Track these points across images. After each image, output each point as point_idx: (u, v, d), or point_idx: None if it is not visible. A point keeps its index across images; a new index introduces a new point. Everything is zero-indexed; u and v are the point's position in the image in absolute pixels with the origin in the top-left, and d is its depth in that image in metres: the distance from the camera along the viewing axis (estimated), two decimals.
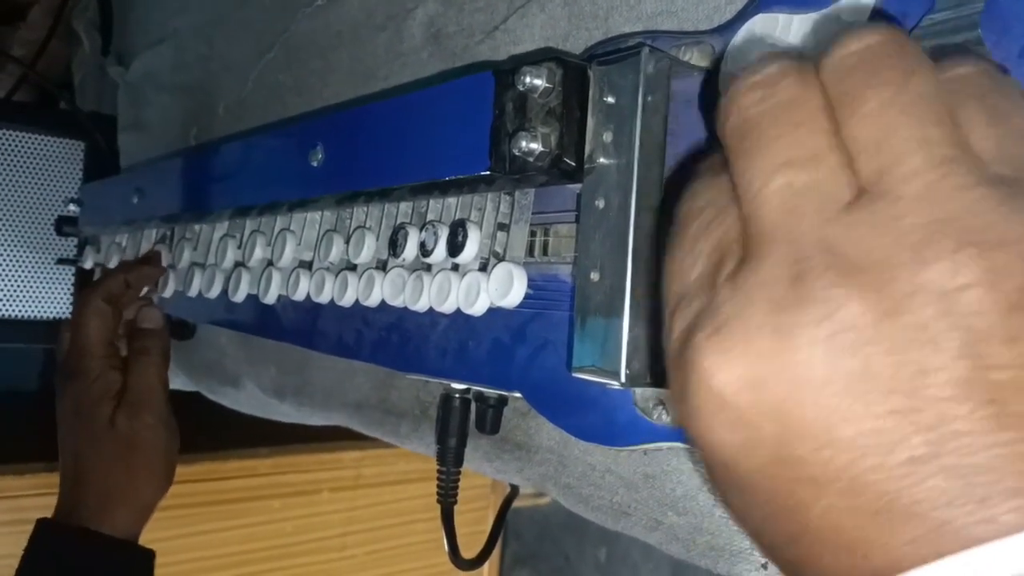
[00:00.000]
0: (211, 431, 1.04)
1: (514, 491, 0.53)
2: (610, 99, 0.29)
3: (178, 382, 0.79)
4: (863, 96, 0.18)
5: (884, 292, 0.16)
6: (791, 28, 0.27)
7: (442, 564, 1.32)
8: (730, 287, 0.18)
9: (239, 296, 0.51)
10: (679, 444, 0.31)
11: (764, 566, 0.30)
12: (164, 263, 0.62)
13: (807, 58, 0.19)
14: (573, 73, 0.30)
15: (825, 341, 0.17)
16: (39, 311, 0.85)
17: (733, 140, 0.19)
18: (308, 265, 0.47)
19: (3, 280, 0.83)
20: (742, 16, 0.29)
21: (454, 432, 0.41)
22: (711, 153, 0.22)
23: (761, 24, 0.28)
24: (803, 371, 0.17)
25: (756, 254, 0.18)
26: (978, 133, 0.18)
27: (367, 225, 0.43)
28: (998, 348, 0.16)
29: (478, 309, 0.35)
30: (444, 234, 0.37)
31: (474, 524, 1.23)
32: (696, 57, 0.30)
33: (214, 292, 0.54)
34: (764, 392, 0.17)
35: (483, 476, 0.45)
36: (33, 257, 0.84)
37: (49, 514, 0.57)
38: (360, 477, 1.24)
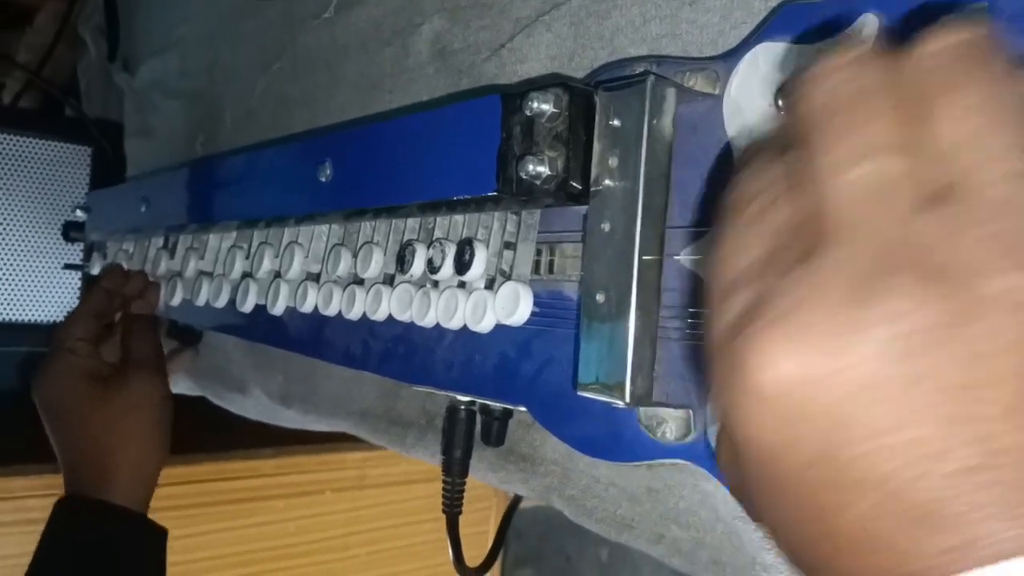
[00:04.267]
0: (215, 432, 1.04)
1: (517, 497, 0.54)
2: (616, 124, 0.30)
3: (184, 387, 0.80)
4: (954, 94, 0.17)
5: (960, 297, 0.16)
6: (794, 57, 0.28)
7: (444, 564, 1.32)
8: (794, 276, 0.18)
9: (247, 307, 0.52)
10: (682, 460, 0.32)
11: None
12: (163, 268, 0.63)
13: (892, 47, 0.19)
14: (580, 99, 0.30)
15: (895, 342, 0.16)
16: (46, 315, 0.86)
17: (810, 123, 0.18)
18: (316, 278, 0.47)
19: (10, 285, 0.83)
20: (746, 44, 0.30)
21: (460, 443, 0.42)
22: (758, 139, 0.22)
23: (765, 53, 0.29)
24: (864, 371, 0.16)
25: (832, 242, 0.17)
26: None
27: (375, 240, 0.43)
28: None
29: (485, 327, 0.36)
30: (451, 252, 0.37)
31: (476, 525, 1.24)
32: (700, 83, 0.31)
33: (222, 302, 0.55)
34: (819, 390, 0.17)
35: None
36: (40, 262, 0.85)
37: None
38: (363, 478, 1.24)
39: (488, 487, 1.27)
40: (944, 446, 0.16)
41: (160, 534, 0.59)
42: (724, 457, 0.23)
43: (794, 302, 0.17)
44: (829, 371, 0.17)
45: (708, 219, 0.30)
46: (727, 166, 0.29)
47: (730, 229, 0.20)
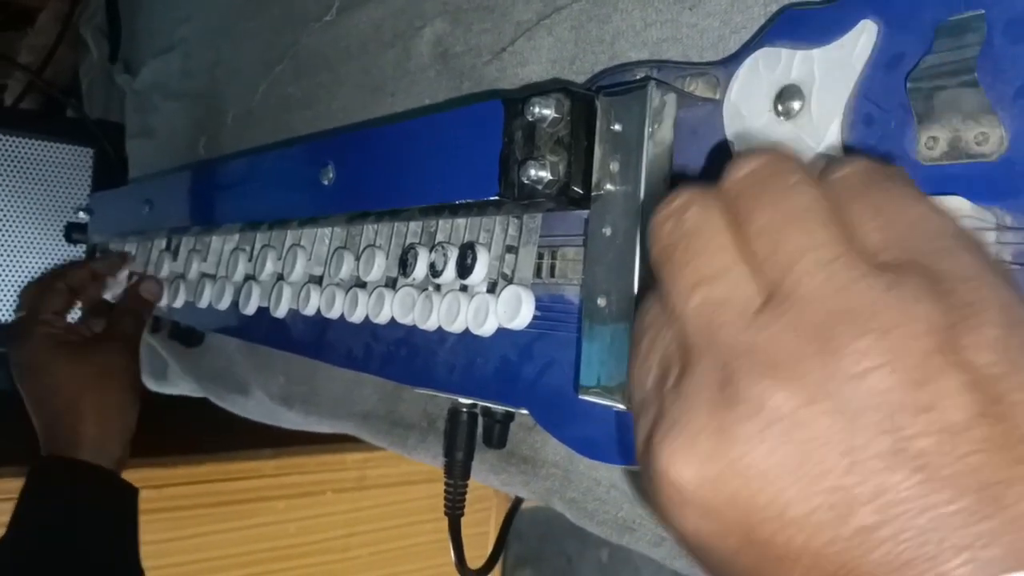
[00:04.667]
0: (216, 433, 1.04)
1: (519, 499, 0.54)
2: (617, 129, 0.30)
3: (186, 388, 0.80)
4: (752, 216, 0.20)
5: (802, 383, 0.18)
6: (793, 63, 0.28)
7: (444, 565, 1.33)
8: (673, 395, 0.20)
9: (250, 309, 0.52)
10: None
11: None
12: (169, 272, 0.64)
13: (713, 182, 0.22)
14: (581, 104, 0.31)
15: (760, 434, 0.18)
16: None
17: (656, 267, 0.22)
18: (318, 280, 0.48)
19: (13, 286, 0.84)
20: (747, 49, 0.30)
21: (461, 446, 0.42)
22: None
23: (765, 58, 0.29)
24: (747, 463, 0.18)
25: (688, 364, 0.20)
26: (864, 227, 0.19)
27: (377, 243, 0.43)
28: (913, 418, 0.17)
29: (487, 330, 0.36)
30: (454, 255, 0.37)
31: (477, 525, 1.24)
32: (701, 88, 0.31)
33: (224, 304, 0.55)
34: (719, 485, 0.19)
35: None
36: (42, 263, 0.85)
37: None
38: (363, 479, 1.25)
39: (489, 489, 1.27)
40: (840, 511, 0.17)
41: (130, 492, 0.62)
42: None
43: (677, 416, 0.20)
44: (718, 471, 0.19)
45: None
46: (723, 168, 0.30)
47: (632, 358, 0.23)
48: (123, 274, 0.70)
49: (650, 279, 0.24)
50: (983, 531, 0.16)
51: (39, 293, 0.68)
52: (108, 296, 0.73)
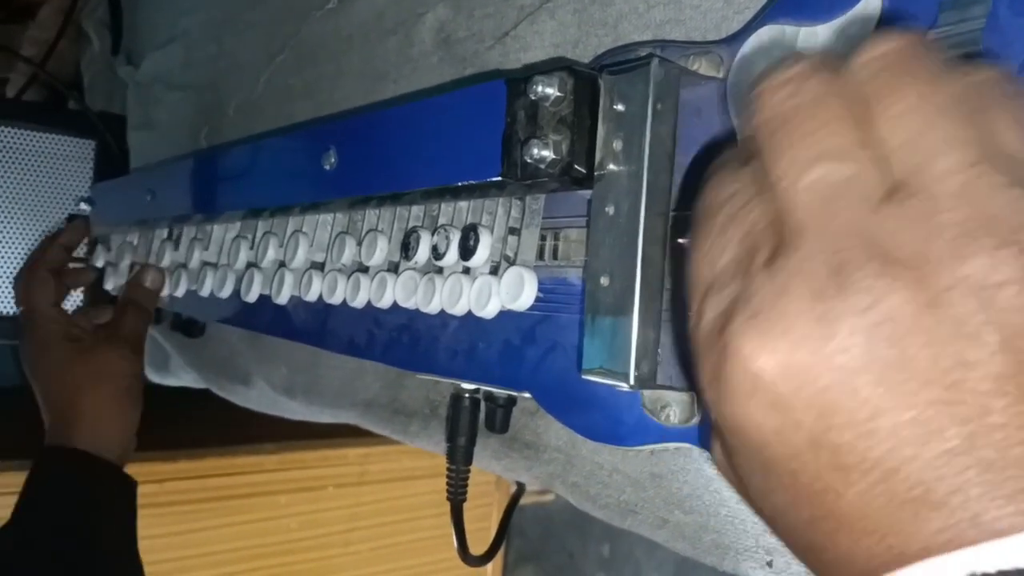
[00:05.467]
0: (218, 428, 1.04)
1: (520, 489, 0.54)
2: (620, 108, 0.30)
3: (188, 379, 0.80)
4: (894, 96, 0.18)
5: (925, 285, 0.17)
6: (797, 40, 0.28)
7: (446, 560, 1.33)
8: (767, 274, 0.19)
9: (251, 296, 0.52)
10: (686, 444, 0.32)
11: (769, 564, 0.31)
12: (170, 262, 0.64)
13: (834, 58, 0.20)
14: (584, 82, 0.31)
15: (866, 330, 0.17)
16: None
17: (765, 133, 0.20)
18: (320, 266, 0.48)
19: (13, 277, 0.84)
20: (750, 27, 0.30)
21: (464, 431, 0.42)
22: (730, 145, 0.23)
23: (768, 35, 0.29)
24: (843, 359, 0.17)
25: (793, 243, 0.18)
26: (1006, 135, 0.18)
27: (379, 228, 0.43)
28: None
29: (489, 312, 0.36)
30: (456, 238, 0.37)
31: (478, 521, 1.24)
32: (704, 67, 0.31)
33: (226, 292, 0.55)
34: (804, 378, 0.18)
35: (488, 473, 0.45)
36: None
37: None
38: (365, 473, 1.25)
39: (490, 484, 1.27)
40: (927, 429, 0.16)
41: (130, 484, 0.62)
42: (719, 456, 0.23)
43: (767, 299, 0.18)
44: (808, 362, 0.18)
45: None
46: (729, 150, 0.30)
47: (703, 234, 0.22)
48: (124, 264, 0.70)
49: (730, 155, 0.22)
50: None
51: (27, 285, 0.69)
52: (109, 287, 0.73)
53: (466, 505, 0.43)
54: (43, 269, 0.70)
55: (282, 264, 0.50)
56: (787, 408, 0.18)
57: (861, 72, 0.19)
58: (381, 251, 0.42)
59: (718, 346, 0.19)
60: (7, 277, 0.83)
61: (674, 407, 0.31)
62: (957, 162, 0.17)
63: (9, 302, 0.84)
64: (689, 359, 0.30)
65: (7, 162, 0.82)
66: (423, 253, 0.39)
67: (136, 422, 0.64)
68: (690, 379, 0.30)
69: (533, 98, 0.31)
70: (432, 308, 0.38)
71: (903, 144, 0.18)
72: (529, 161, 0.31)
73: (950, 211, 0.17)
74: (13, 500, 0.91)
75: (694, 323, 0.21)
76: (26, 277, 0.70)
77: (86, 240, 0.78)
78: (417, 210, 0.42)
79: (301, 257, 0.48)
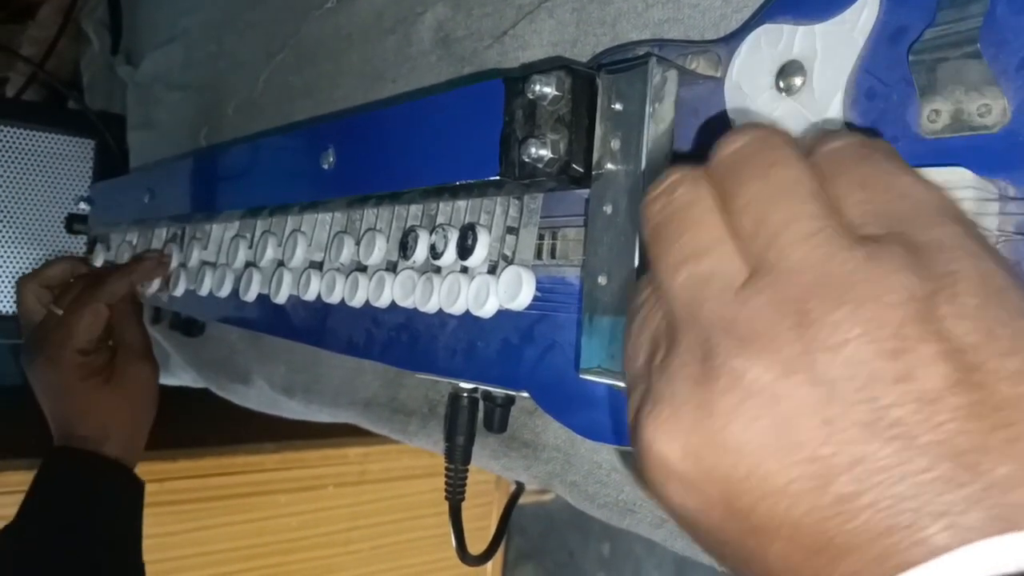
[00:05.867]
0: (218, 427, 1.04)
1: (519, 488, 0.54)
2: (618, 107, 0.30)
3: (187, 378, 0.80)
4: (738, 191, 0.20)
5: (779, 355, 0.18)
6: (795, 39, 0.28)
7: (446, 559, 1.33)
8: (659, 371, 0.21)
9: (250, 295, 0.52)
10: None
11: None
12: (174, 263, 0.63)
13: (705, 160, 0.22)
14: (582, 81, 0.31)
15: (738, 407, 0.18)
16: None
17: (650, 243, 0.22)
18: (319, 266, 0.48)
19: (14, 277, 0.84)
20: (748, 26, 0.30)
21: (462, 430, 0.42)
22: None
23: (767, 35, 0.29)
24: (727, 436, 0.19)
25: (674, 340, 0.21)
26: (849, 200, 0.20)
27: (377, 227, 0.43)
28: (889, 388, 0.17)
29: (487, 311, 0.36)
30: (454, 237, 0.37)
31: (478, 520, 1.24)
32: (702, 66, 0.31)
33: (225, 291, 0.55)
34: (701, 459, 0.19)
35: (487, 472, 0.45)
36: (43, 254, 0.85)
37: None
38: (365, 473, 1.25)
39: (489, 483, 1.27)
40: (819, 481, 0.18)
41: (137, 485, 0.62)
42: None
43: (662, 391, 0.20)
44: (700, 443, 0.19)
45: None
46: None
47: (626, 338, 0.24)
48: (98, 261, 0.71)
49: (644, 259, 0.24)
50: (961, 497, 0.16)
51: (82, 315, 0.62)
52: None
53: (465, 504, 0.43)
54: (102, 302, 0.63)
55: (281, 263, 0.50)
56: (697, 487, 0.20)
57: (718, 170, 0.21)
58: (379, 250, 0.42)
59: (635, 437, 0.21)
60: (6, 276, 0.83)
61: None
62: (795, 236, 0.19)
63: (9, 302, 0.84)
64: None
65: (7, 162, 0.82)
66: (421, 252, 0.39)
67: (149, 423, 0.64)
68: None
69: (531, 97, 0.31)
70: (430, 307, 0.38)
71: (754, 229, 0.20)
72: (527, 160, 0.31)
73: (791, 283, 0.18)
74: (15, 500, 0.91)
75: (627, 418, 0.23)
76: (79, 304, 0.63)
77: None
78: (415, 209, 0.42)
79: (299, 256, 0.48)
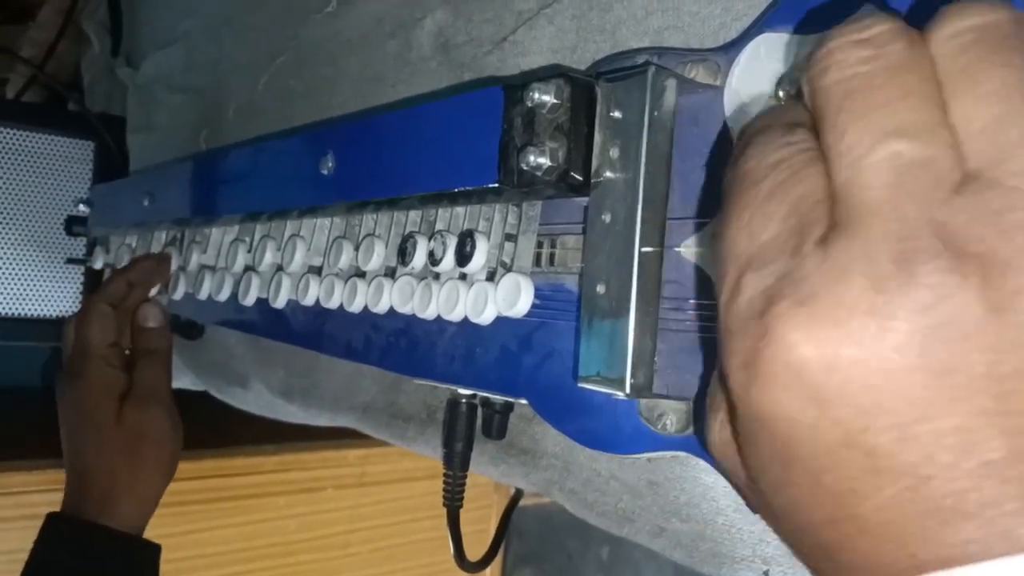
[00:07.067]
0: (217, 428, 1.04)
1: (518, 493, 0.54)
2: (617, 115, 0.30)
3: (186, 381, 0.80)
4: (983, 75, 0.17)
5: (994, 286, 0.16)
6: (795, 48, 0.28)
7: (445, 562, 1.32)
8: (822, 254, 0.17)
9: (249, 300, 0.52)
10: (682, 453, 0.32)
11: (765, 573, 0.31)
12: (174, 266, 0.63)
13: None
14: (581, 90, 0.30)
15: (926, 330, 0.16)
16: (48, 310, 0.86)
17: (832, 97, 0.18)
18: (318, 271, 0.47)
19: (13, 279, 0.84)
20: (748, 35, 0.30)
21: (461, 436, 0.42)
22: (763, 114, 0.21)
23: (766, 43, 0.29)
24: (896, 358, 0.16)
25: (855, 224, 0.17)
26: None
27: (376, 233, 0.43)
28: None
29: (486, 318, 0.36)
30: (453, 244, 0.37)
31: (477, 523, 1.24)
32: (702, 74, 0.31)
33: (224, 295, 0.55)
34: (851, 374, 0.17)
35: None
36: (43, 256, 0.85)
37: (57, 509, 0.58)
38: (364, 475, 1.25)
39: (488, 486, 1.27)
40: (971, 439, 0.16)
41: (153, 551, 0.59)
42: (721, 438, 0.22)
43: (821, 283, 0.17)
44: (858, 357, 0.16)
45: (709, 211, 0.30)
46: (728, 157, 0.29)
47: (743, 203, 0.19)
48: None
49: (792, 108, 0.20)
50: None
51: (89, 321, 0.61)
52: None
53: (464, 507, 0.43)
54: (104, 303, 0.62)
55: (279, 268, 0.50)
56: (827, 403, 0.17)
57: (945, 45, 0.17)
58: (378, 256, 0.42)
59: (757, 329, 0.18)
60: (5, 278, 0.83)
61: (670, 416, 0.30)
62: None
63: (9, 304, 0.84)
64: (694, 361, 0.30)
65: (6, 163, 0.82)
66: (420, 259, 0.39)
67: (163, 490, 0.60)
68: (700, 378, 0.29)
69: (530, 105, 0.31)
70: (429, 314, 0.38)
71: (982, 132, 0.17)
72: (526, 168, 0.31)
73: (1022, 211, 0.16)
74: (15, 500, 0.91)
75: (727, 299, 0.19)
76: (87, 312, 0.62)
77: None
78: (414, 215, 0.42)
79: (298, 261, 0.48)
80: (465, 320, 0.37)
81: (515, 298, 0.35)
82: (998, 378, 0.16)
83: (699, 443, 0.30)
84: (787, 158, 0.19)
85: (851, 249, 0.17)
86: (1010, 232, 0.16)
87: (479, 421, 0.42)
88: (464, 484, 0.43)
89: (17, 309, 0.84)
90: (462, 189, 0.34)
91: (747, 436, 0.20)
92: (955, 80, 0.17)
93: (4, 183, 0.82)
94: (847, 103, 0.18)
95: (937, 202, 0.16)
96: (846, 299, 0.17)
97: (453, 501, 0.43)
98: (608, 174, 0.30)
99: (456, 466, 0.42)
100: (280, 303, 0.49)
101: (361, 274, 0.44)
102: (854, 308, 0.16)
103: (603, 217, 0.30)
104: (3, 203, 0.82)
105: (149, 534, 0.60)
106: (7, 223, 0.83)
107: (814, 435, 0.17)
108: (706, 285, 0.30)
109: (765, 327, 0.18)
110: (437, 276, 0.39)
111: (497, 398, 0.40)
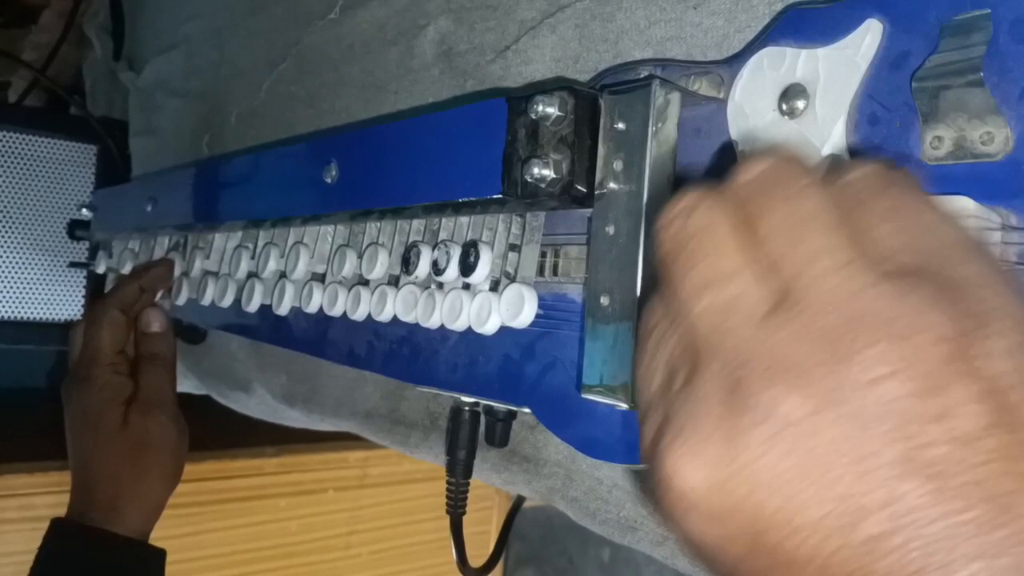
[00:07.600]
0: (218, 430, 1.04)
1: (520, 499, 0.54)
2: (621, 127, 0.30)
3: (188, 385, 0.80)
4: (762, 218, 0.20)
5: (812, 389, 0.18)
6: (798, 62, 0.28)
7: (446, 564, 1.33)
8: (680, 398, 0.20)
9: (252, 307, 0.52)
10: None
11: None
12: (177, 271, 0.63)
13: (719, 183, 0.22)
14: (585, 102, 0.31)
15: (769, 440, 0.18)
16: (51, 313, 0.86)
17: (665, 266, 0.22)
18: (321, 278, 0.48)
19: (16, 283, 0.84)
20: (751, 48, 0.30)
21: (463, 444, 0.42)
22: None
23: (769, 57, 0.29)
24: (756, 469, 0.18)
25: (696, 367, 0.20)
26: (875, 232, 0.19)
27: (380, 241, 0.43)
28: (925, 427, 0.17)
29: (489, 329, 0.36)
30: (456, 253, 0.37)
31: (478, 525, 1.24)
32: (705, 87, 0.31)
33: (227, 302, 0.55)
34: (727, 491, 0.19)
35: None
36: (45, 260, 0.85)
37: (60, 512, 0.58)
38: (365, 476, 1.25)
39: (491, 487, 1.27)
40: (851, 519, 0.17)
41: (158, 556, 0.59)
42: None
43: (685, 420, 0.20)
44: (727, 475, 0.19)
45: None
46: (730, 169, 0.30)
47: (638, 360, 0.23)
48: (126, 270, 0.70)
49: (655, 279, 0.24)
50: (995, 540, 0.16)
51: (101, 327, 0.61)
52: None
53: (467, 509, 0.44)
54: (116, 309, 0.62)
55: (283, 275, 0.50)
56: (721, 518, 0.19)
57: (737, 194, 0.21)
58: (382, 265, 0.42)
59: (654, 465, 0.21)
60: (8, 282, 0.83)
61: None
62: (826, 267, 0.19)
63: (12, 307, 0.84)
64: None
65: (8, 167, 0.83)
66: (423, 268, 0.39)
67: (168, 496, 0.60)
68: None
69: (534, 117, 0.31)
70: (432, 323, 0.39)
71: (779, 258, 0.19)
72: (529, 180, 0.31)
73: (824, 317, 0.18)
74: (18, 503, 0.92)
75: (641, 443, 0.22)
76: (96, 318, 0.62)
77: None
78: (418, 224, 0.42)
79: (302, 268, 0.48)
80: (468, 329, 0.37)
81: (519, 309, 0.35)
82: (847, 463, 0.17)
83: None
84: (659, 319, 0.23)
85: (698, 387, 0.20)
86: (814, 339, 0.18)
87: (482, 429, 0.42)
88: (467, 491, 0.43)
89: (20, 313, 0.84)
90: (466, 199, 0.34)
91: (694, 555, 0.22)
92: (750, 224, 0.20)
93: (7, 187, 0.82)
94: (672, 269, 0.21)
95: (752, 332, 0.19)
96: (702, 429, 0.19)
97: (456, 508, 0.43)
98: (612, 186, 0.30)
99: (459, 474, 0.42)
100: (284, 310, 0.50)
101: (365, 282, 0.44)
102: (711, 436, 0.19)
103: (607, 229, 0.30)
104: (6, 207, 0.82)
105: (152, 536, 0.61)
106: (10, 227, 0.83)
107: (726, 548, 0.20)
108: None
109: (657, 464, 0.20)
110: (441, 285, 0.39)
111: (500, 406, 0.40)
